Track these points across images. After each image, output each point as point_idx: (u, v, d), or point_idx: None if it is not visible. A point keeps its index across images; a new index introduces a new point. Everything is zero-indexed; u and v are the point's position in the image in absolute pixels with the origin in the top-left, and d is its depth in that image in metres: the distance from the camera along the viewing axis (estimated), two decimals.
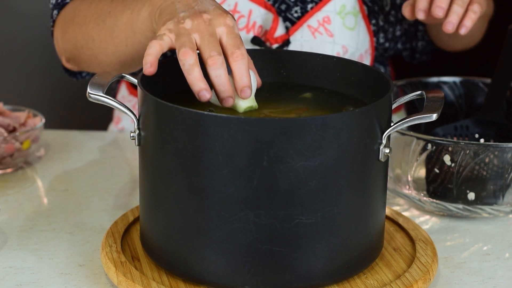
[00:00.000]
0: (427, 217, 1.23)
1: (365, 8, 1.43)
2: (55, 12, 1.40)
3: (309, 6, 1.41)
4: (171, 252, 1.00)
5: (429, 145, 1.18)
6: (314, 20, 1.41)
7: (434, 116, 0.98)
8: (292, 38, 1.41)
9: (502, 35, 1.33)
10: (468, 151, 1.16)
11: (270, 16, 1.40)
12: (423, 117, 0.99)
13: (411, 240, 1.11)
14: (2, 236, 1.14)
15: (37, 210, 1.22)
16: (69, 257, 1.09)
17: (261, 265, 0.96)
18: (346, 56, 1.42)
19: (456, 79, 1.39)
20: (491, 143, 1.25)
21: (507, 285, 1.06)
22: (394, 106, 1.03)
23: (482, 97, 1.38)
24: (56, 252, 1.11)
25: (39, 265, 1.08)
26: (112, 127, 1.63)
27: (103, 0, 1.33)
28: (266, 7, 1.40)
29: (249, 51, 1.15)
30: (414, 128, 1.31)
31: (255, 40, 1.39)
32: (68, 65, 1.42)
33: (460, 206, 1.19)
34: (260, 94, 1.10)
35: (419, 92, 1.05)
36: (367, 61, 1.46)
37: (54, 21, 1.40)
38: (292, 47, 1.40)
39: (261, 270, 0.97)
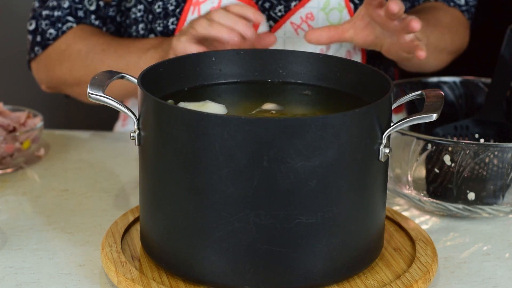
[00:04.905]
0: (427, 217, 1.23)
1: (351, 5, 1.43)
2: (37, 48, 1.48)
3: (293, 3, 1.42)
4: (171, 252, 1.00)
5: (429, 145, 1.18)
6: (297, 16, 1.41)
7: (434, 116, 0.98)
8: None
9: (502, 35, 1.33)
10: (468, 151, 1.16)
11: None
12: (423, 117, 0.99)
13: (411, 240, 1.11)
14: (2, 236, 1.14)
15: (37, 210, 1.22)
16: (69, 257, 1.09)
17: (261, 265, 0.96)
18: (329, 52, 1.42)
19: (456, 79, 1.39)
20: (491, 143, 1.25)
21: (507, 285, 1.06)
22: (394, 106, 1.03)
23: (482, 97, 1.37)
24: (56, 252, 1.10)
25: (39, 265, 1.08)
26: (119, 126, 1.63)
27: (94, 48, 1.41)
28: (250, 5, 1.40)
29: (248, 51, 1.15)
30: (414, 128, 1.31)
31: None
32: (48, 90, 1.53)
33: (460, 206, 1.19)
34: (259, 94, 1.10)
35: (419, 92, 1.05)
36: (357, 57, 1.46)
37: (35, 55, 1.48)
38: (275, 44, 1.40)
39: (261, 270, 0.96)
